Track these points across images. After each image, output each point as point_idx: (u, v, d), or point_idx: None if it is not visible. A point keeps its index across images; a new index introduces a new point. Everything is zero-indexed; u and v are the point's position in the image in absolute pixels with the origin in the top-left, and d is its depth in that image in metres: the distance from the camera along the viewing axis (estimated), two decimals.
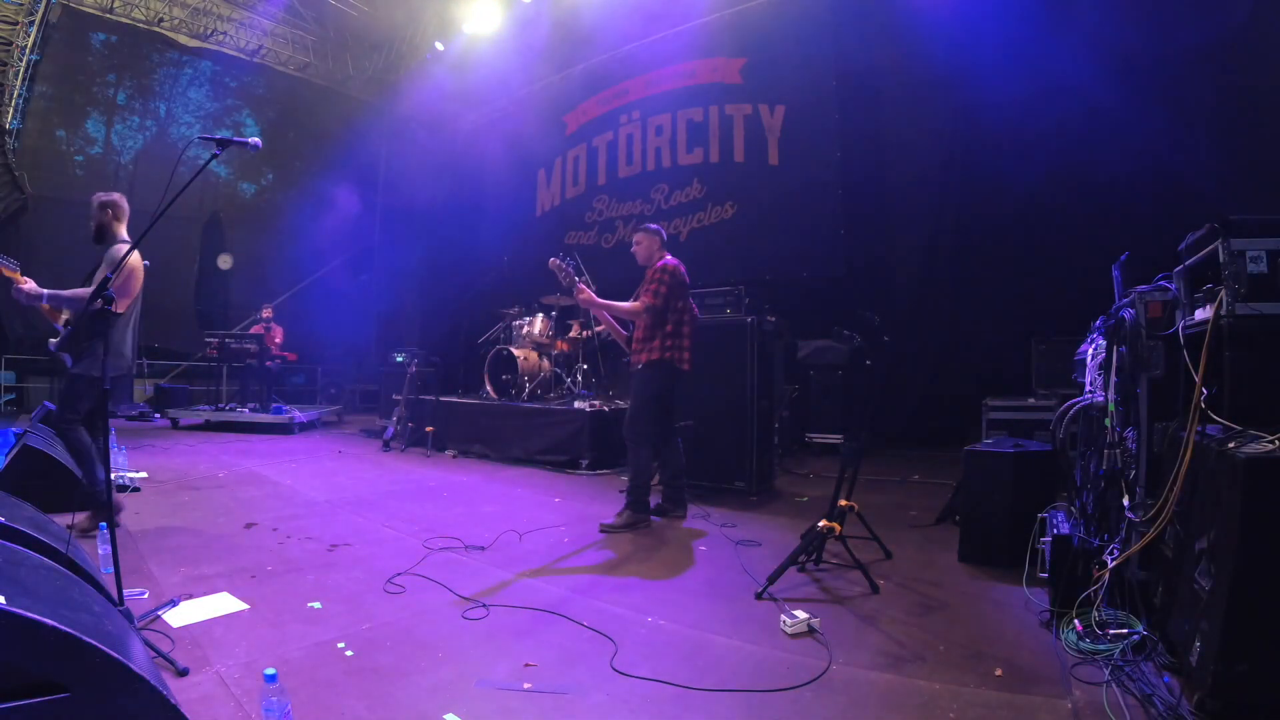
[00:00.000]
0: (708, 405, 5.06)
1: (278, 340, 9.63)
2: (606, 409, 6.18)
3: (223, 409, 9.12)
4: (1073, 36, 5.68)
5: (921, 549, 3.52)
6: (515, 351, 6.99)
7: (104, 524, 2.39)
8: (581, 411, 6.10)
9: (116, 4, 10.81)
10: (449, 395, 7.91)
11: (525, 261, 9.95)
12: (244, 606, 2.62)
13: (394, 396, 7.99)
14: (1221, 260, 1.90)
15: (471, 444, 6.93)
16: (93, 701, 1.36)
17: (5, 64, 10.14)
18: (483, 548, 3.52)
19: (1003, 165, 6.41)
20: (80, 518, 3.35)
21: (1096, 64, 5.46)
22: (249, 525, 3.91)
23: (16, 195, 10.70)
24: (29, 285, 3.24)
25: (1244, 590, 1.64)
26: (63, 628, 1.33)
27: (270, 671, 1.71)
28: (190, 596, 2.69)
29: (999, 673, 2.12)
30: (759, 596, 2.79)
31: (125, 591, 2.26)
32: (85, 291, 3.25)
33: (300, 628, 2.45)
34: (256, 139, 2.64)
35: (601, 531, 3.86)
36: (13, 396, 10.65)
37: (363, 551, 3.42)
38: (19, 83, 10.36)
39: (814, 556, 3.13)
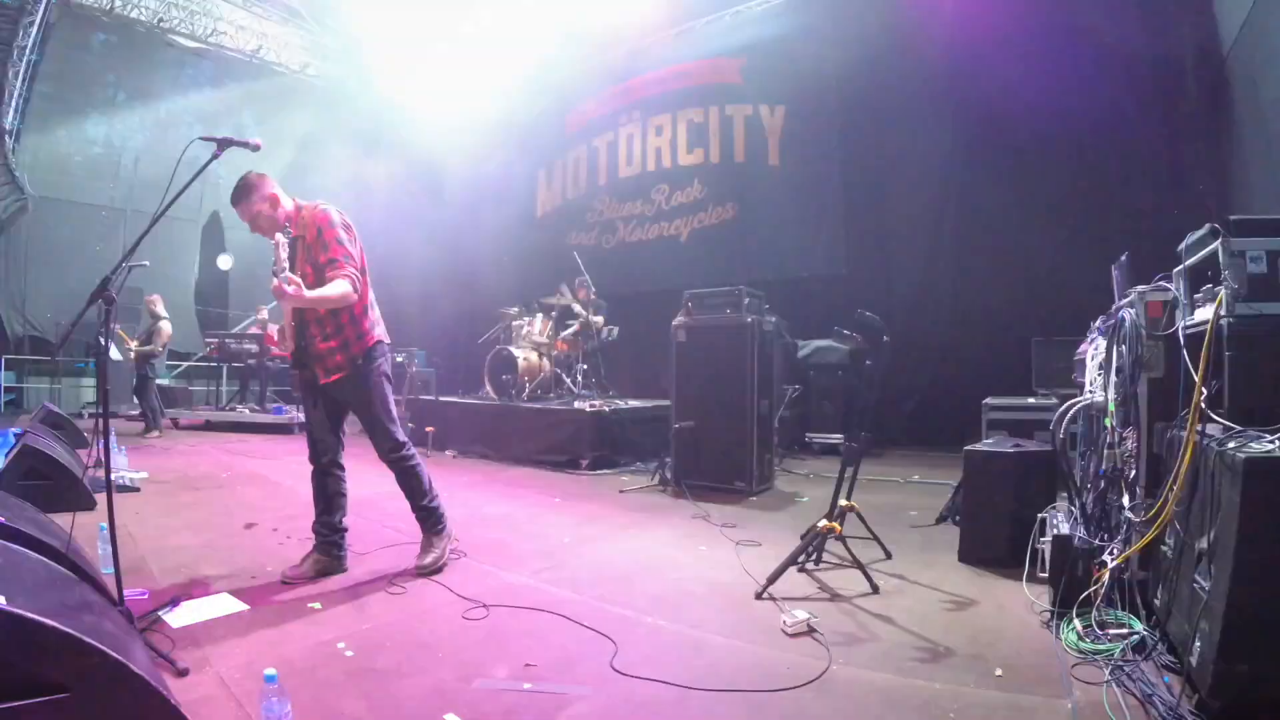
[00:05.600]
0: (708, 405, 5.06)
1: (275, 340, 9.63)
2: (607, 409, 6.18)
3: (223, 409, 9.12)
4: (1073, 36, 5.69)
5: (921, 549, 3.52)
6: (515, 352, 6.99)
7: (104, 524, 2.38)
8: (581, 412, 6.10)
9: (116, 4, 10.81)
10: (449, 395, 7.91)
11: (525, 261, 9.96)
12: (244, 607, 2.62)
13: (394, 396, 7.98)
14: (1221, 260, 1.90)
15: (472, 444, 6.93)
16: (93, 701, 1.36)
17: (5, 64, 10.14)
18: (482, 548, 3.51)
19: (1003, 165, 6.42)
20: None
21: (1097, 63, 5.46)
22: (249, 525, 3.91)
23: (17, 195, 10.70)
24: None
25: (1244, 590, 1.64)
26: (63, 628, 1.33)
27: (270, 671, 1.71)
28: (190, 596, 2.69)
29: (999, 673, 2.12)
30: (759, 596, 2.78)
31: (125, 591, 2.25)
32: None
33: (300, 628, 2.44)
34: (257, 139, 2.64)
35: (420, 574, 3.05)
36: (13, 396, 10.65)
37: (363, 551, 3.42)
38: (19, 83, 10.36)
39: (814, 556, 3.13)
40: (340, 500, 3.11)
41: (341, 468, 3.13)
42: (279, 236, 2.68)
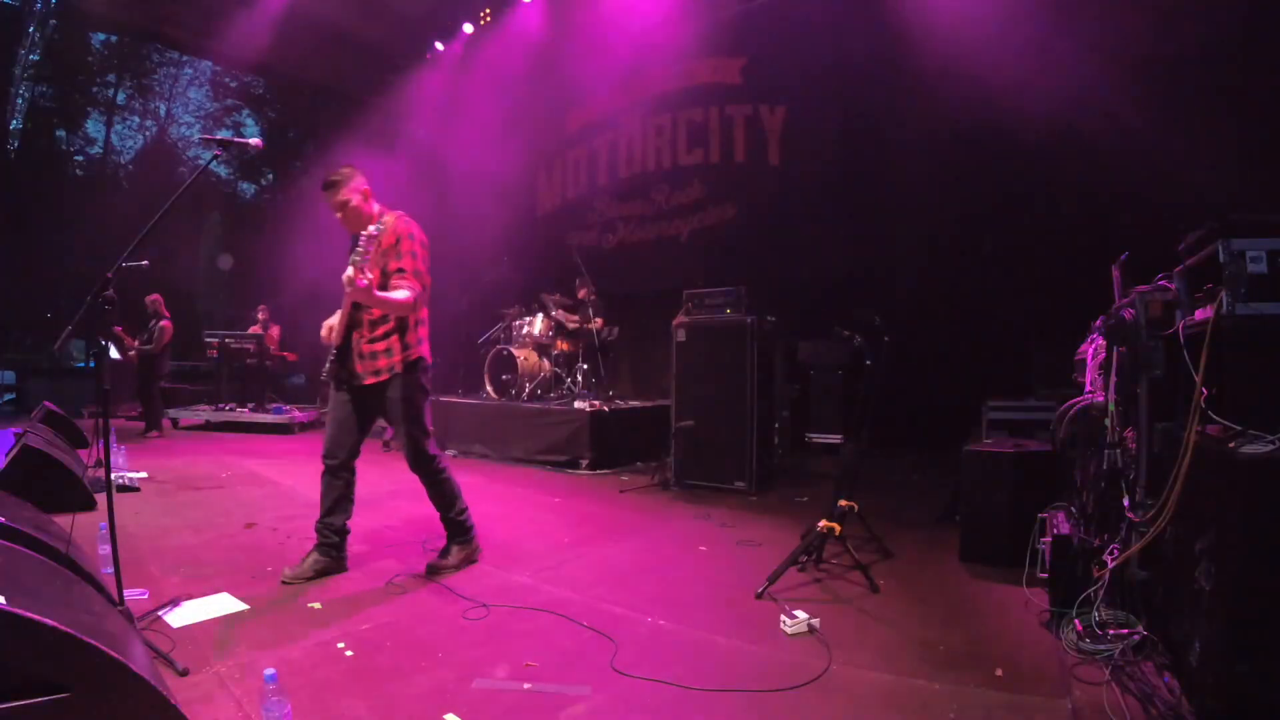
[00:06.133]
0: (708, 405, 5.06)
1: (274, 339, 9.62)
2: (607, 409, 6.18)
3: (222, 409, 9.11)
4: (1074, 36, 5.69)
5: (921, 549, 3.52)
6: (515, 351, 6.99)
7: (104, 524, 2.38)
8: (581, 411, 6.10)
9: (116, 4, 10.81)
10: (449, 395, 7.90)
11: (525, 261, 9.96)
12: (244, 607, 2.62)
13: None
14: (1221, 260, 1.90)
15: (472, 444, 6.92)
16: (93, 701, 1.36)
17: (5, 64, 10.15)
18: (483, 548, 3.51)
19: (1003, 165, 6.41)
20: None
21: (1097, 63, 5.46)
22: (249, 525, 3.91)
23: (17, 195, 10.72)
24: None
25: (1244, 590, 1.64)
26: (63, 628, 1.33)
27: (270, 671, 1.71)
28: (190, 596, 2.69)
29: (999, 673, 2.12)
30: (759, 596, 2.79)
31: (125, 591, 2.26)
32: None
33: (300, 628, 2.45)
34: (257, 139, 2.65)
35: (429, 575, 3.08)
36: (13, 396, 10.65)
37: (363, 551, 3.42)
38: (19, 83, 10.37)
39: (814, 556, 3.13)
40: (346, 504, 3.11)
41: (352, 471, 3.12)
42: (370, 229, 2.72)
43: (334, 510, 3.07)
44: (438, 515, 3.22)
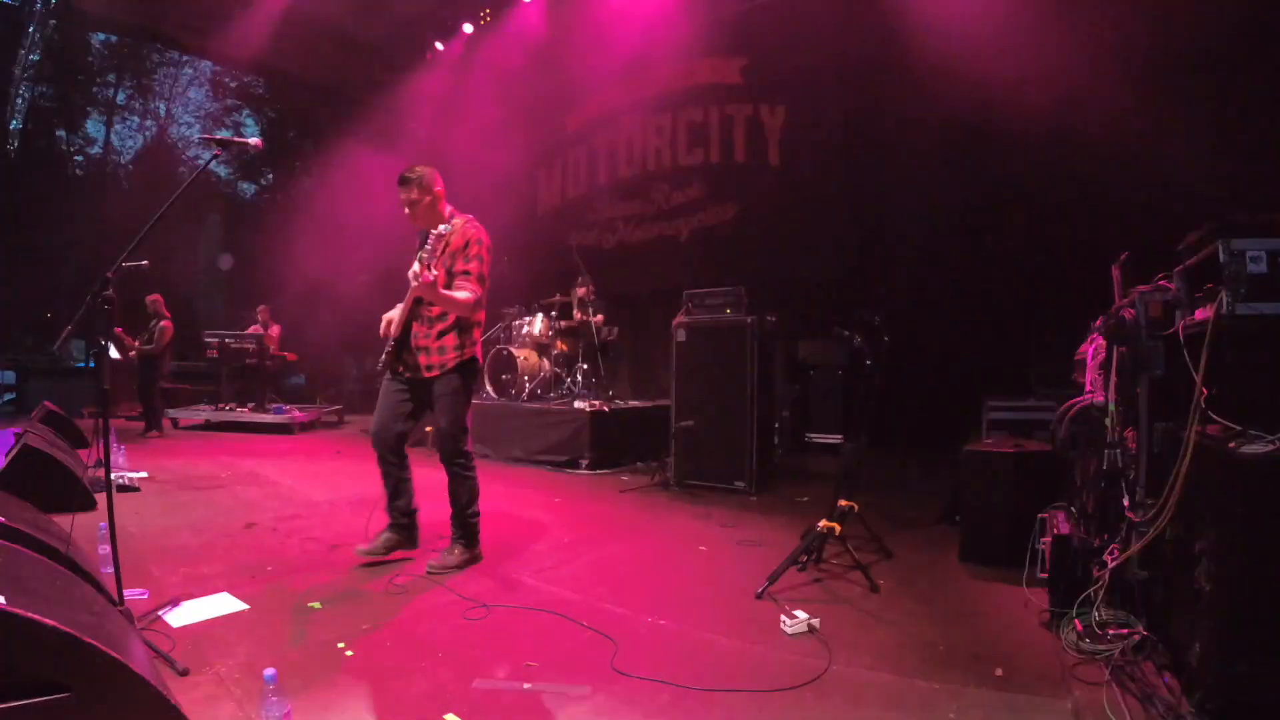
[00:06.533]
0: (708, 405, 5.06)
1: (274, 338, 9.62)
2: (607, 409, 6.18)
3: (222, 409, 9.11)
4: (1074, 35, 5.68)
5: (921, 549, 3.52)
6: (515, 351, 6.99)
7: (104, 524, 2.38)
8: (581, 411, 6.10)
9: (116, 4, 10.81)
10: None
11: (525, 261, 9.95)
12: (244, 606, 2.62)
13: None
14: (1221, 260, 1.90)
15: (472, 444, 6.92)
16: (93, 701, 1.36)
17: (5, 64, 10.15)
18: (483, 547, 3.51)
19: (1004, 164, 6.41)
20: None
21: (1097, 63, 5.46)
22: (249, 525, 3.91)
23: (17, 196, 10.72)
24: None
25: (1244, 590, 1.64)
26: (63, 628, 1.33)
27: (270, 671, 1.71)
28: (190, 596, 2.69)
29: (999, 673, 2.12)
30: (759, 596, 2.79)
31: (125, 591, 2.26)
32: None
33: (300, 628, 2.45)
34: (257, 139, 2.65)
35: (430, 573, 3.06)
36: (13, 396, 10.65)
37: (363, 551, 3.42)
38: (19, 83, 10.37)
39: (814, 556, 3.13)
40: (405, 486, 3.24)
41: (401, 455, 3.24)
42: (441, 228, 2.88)
43: (397, 495, 3.22)
44: (449, 513, 3.25)
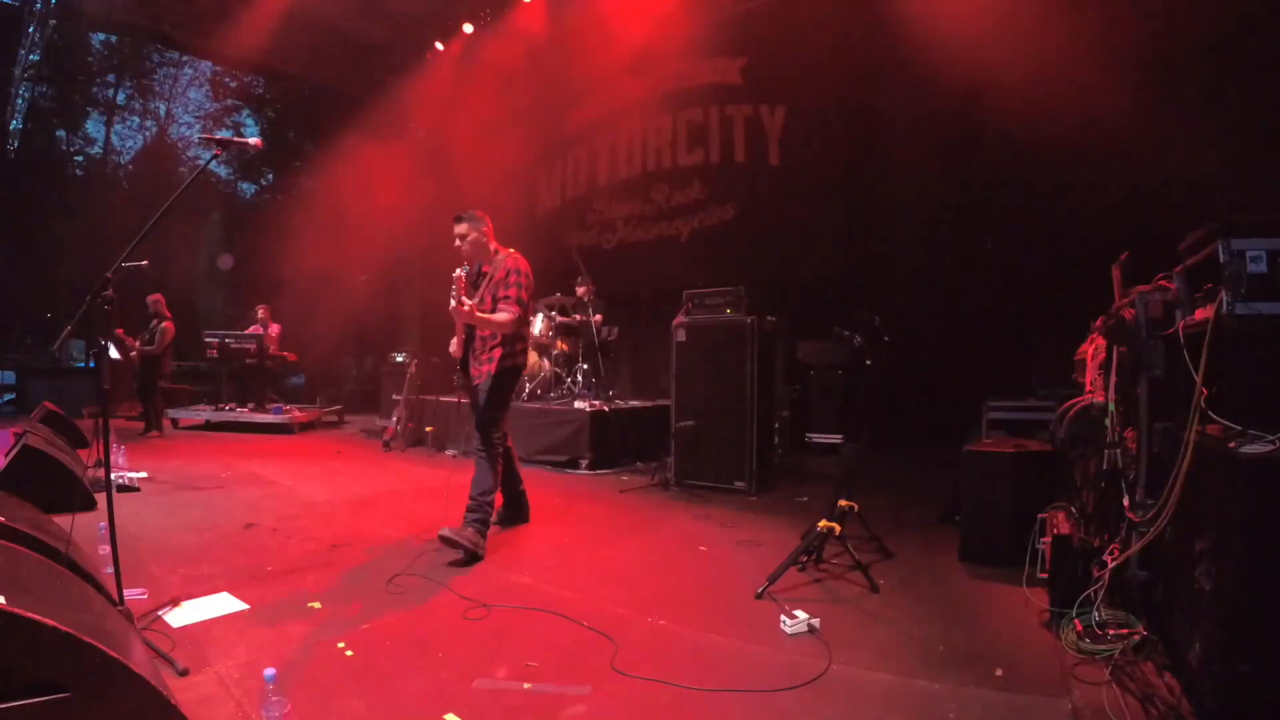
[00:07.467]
0: (708, 405, 5.06)
1: (274, 338, 9.61)
2: (607, 409, 6.18)
3: (222, 409, 9.11)
4: (1075, 36, 5.68)
5: (921, 549, 3.52)
6: None
7: (104, 524, 2.38)
8: (581, 411, 6.09)
9: (116, 4, 10.81)
10: (449, 395, 7.90)
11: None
12: (244, 606, 2.62)
13: (394, 396, 7.99)
14: (1221, 260, 1.90)
15: (472, 444, 6.91)
16: (93, 701, 1.36)
17: (5, 64, 10.15)
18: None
19: (1003, 165, 6.41)
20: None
21: (1098, 63, 5.45)
22: (249, 525, 3.91)
23: (17, 196, 10.72)
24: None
25: (1245, 590, 1.64)
26: (63, 628, 1.33)
27: (270, 671, 1.71)
28: (190, 596, 2.69)
29: (999, 673, 2.12)
30: (759, 596, 2.79)
31: (125, 591, 2.26)
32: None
33: (300, 628, 2.45)
34: (257, 139, 2.65)
35: (441, 539, 3.30)
36: (13, 396, 10.65)
37: (363, 551, 3.42)
38: (19, 83, 10.37)
39: (814, 556, 3.13)
40: (510, 473, 3.91)
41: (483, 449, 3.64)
42: (458, 272, 3.36)
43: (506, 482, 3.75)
44: (466, 497, 3.45)
